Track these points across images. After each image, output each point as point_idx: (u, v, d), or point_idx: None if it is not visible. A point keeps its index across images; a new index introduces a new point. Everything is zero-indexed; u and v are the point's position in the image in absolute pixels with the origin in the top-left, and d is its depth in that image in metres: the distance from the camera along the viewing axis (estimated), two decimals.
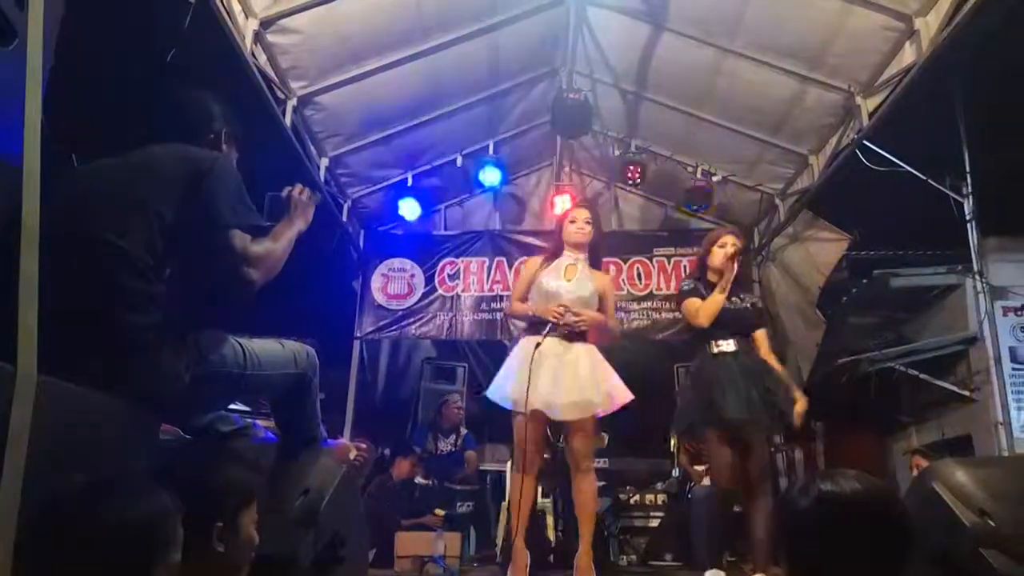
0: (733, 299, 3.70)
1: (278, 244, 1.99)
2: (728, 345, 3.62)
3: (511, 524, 3.54)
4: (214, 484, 1.50)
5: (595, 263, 3.75)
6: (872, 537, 1.34)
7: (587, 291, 3.55)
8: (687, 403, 3.81)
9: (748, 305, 3.77)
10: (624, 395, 3.50)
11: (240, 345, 1.95)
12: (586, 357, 3.47)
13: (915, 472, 4.85)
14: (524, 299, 3.66)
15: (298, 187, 2.15)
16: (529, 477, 3.46)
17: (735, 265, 3.68)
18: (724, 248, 3.73)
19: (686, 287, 3.80)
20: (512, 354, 3.59)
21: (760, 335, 3.75)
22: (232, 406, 2.67)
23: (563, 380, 3.36)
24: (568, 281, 3.57)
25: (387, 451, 6.21)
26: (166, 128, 2.01)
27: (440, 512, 5.39)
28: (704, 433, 3.61)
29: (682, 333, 5.70)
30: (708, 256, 3.80)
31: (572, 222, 3.69)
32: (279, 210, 2.11)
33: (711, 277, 3.77)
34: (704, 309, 3.63)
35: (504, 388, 3.47)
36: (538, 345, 3.37)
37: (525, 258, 6.15)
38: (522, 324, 3.90)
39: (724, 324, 3.64)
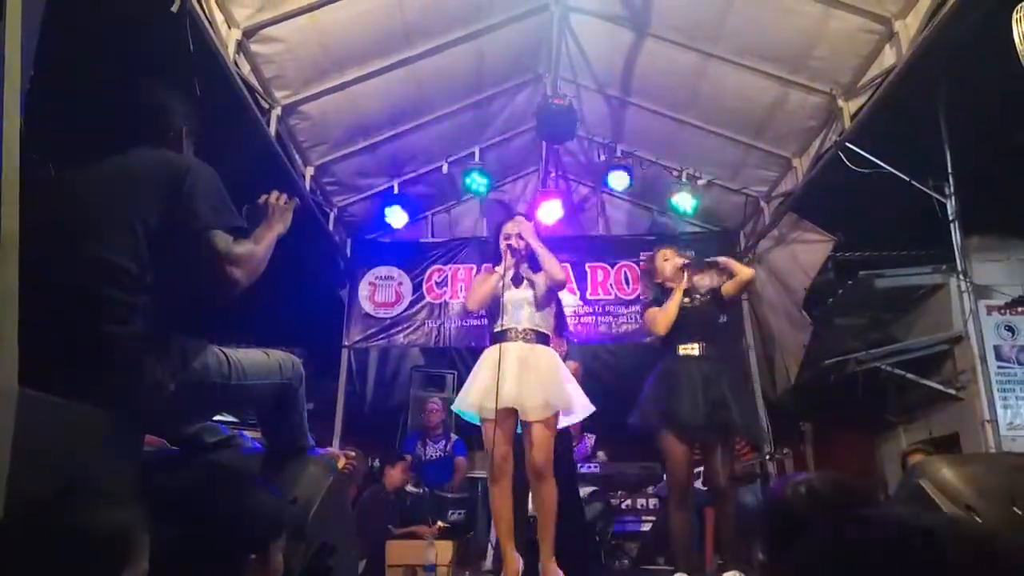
0: (694, 296, 3.85)
1: (260, 246, 1.99)
2: (693, 349, 3.70)
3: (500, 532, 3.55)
4: (248, 517, 1.49)
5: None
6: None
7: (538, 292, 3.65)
8: (647, 401, 3.82)
9: (708, 297, 3.89)
10: (585, 406, 3.56)
11: (224, 355, 1.94)
12: (549, 359, 3.54)
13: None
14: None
15: (274, 194, 2.16)
16: (504, 485, 3.47)
17: (685, 273, 3.89)
18: (669, 260, 3.94)
19: (649, 299, 3.95)
20: (476, 364, 3.64)
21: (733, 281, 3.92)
22: (219, 416, 2.65)
23: (528, 381, 3.41)
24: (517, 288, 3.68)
25: (378, 462, 6.19)
26: (129, 131, 2.01)
27: (442, 524, 5.36)
28: (661, 433, 3.68)
29: None
30: (658, 273, 3.99)
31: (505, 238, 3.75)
32: (258, 218, 2.11)
33: (669, 285, 3.95)
34: (661, 317, 3.77)
35: (468, 398, 3.52)
36: (500, 347, 3.45)
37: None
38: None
39: (688, 326, 3.76)
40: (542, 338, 3.59)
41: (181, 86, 2.18)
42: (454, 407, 3.72)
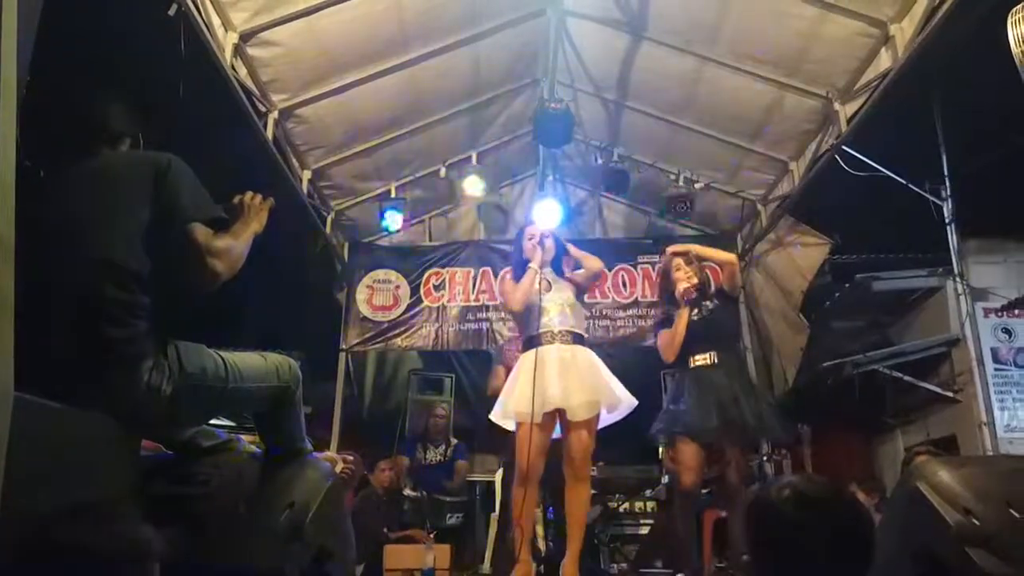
0: (702, 307, 3.86)
1: (239, 241, 2.00)
2: (706, 359, 3.74)
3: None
4: None
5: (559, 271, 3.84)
6: (822, 539, 1.38)
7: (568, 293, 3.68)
8: (668, 409, 3.89)
9: (717, 303, 3.90)
10: (630, 399, 3.57)
11: (221, 358, 1.94)
12: (588, 357, 3.55)
13: None
14: None
15: (249, 194, 2.15)
16: (533, 488, 3.46)
17: (691, 290, 3.86)
18: (681, 271, 3.94)
19: (662, 315, 3.96)
20: (514, 371, 3.64)
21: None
22: (215, 420, 2.65)
23: (572, 380, 3.41)
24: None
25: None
26: (103, 132, 2.01)
27: (431, 534, 5.33)
28: (674, 440, 3.76)
29: None
30: (672, 283, 3.97)
31: (530, 238, 3.77)
32: (234, 218, 2.11)
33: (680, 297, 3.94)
34: (668, 346, 3.83)
35: (509, 407, 3.51)
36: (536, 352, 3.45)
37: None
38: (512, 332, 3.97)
39: (700, 337, 3.79)
40: (578, 338, 3.60)
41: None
42: (493, 416, 3.70)
